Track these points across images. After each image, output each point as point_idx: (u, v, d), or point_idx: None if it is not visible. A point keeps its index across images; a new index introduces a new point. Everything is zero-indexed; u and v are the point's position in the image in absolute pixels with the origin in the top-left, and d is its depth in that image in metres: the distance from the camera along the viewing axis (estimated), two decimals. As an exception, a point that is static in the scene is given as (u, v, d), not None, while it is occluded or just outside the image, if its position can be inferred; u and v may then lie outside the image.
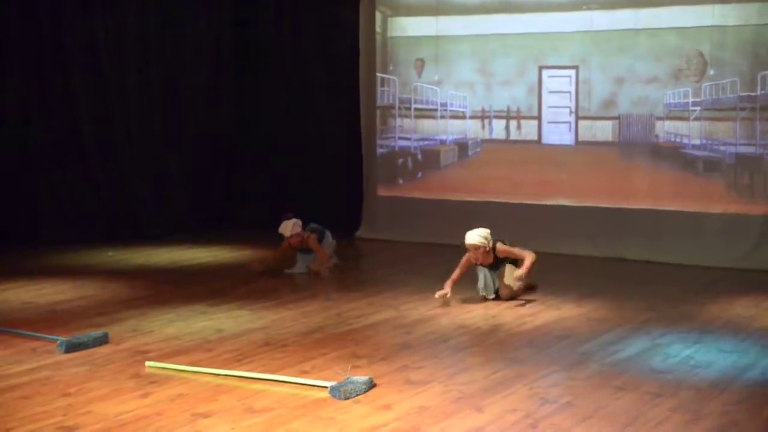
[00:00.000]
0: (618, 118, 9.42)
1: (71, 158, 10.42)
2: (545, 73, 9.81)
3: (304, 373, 5.27)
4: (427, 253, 9.44)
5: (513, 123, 10.00)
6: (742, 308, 7.00)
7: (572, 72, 9.64)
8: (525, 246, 7.31)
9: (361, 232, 10.65)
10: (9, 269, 8.59)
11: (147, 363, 5.45)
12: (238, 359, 5.59)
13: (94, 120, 10.49)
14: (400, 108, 10.59)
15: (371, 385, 4.99)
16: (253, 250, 9.44)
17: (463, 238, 7.20)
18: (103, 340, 5.93)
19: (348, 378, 4.97)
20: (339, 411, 4.65)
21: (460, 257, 7.25)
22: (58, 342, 5.78)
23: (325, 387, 4.91)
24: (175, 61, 11.14)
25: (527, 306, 7.03)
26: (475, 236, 7.14)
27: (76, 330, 6.18)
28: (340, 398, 4.80)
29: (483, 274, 7.25)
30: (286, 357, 5.64)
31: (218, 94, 11.54)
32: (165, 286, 7.88)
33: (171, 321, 6.57)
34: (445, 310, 6.92)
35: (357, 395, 4.84)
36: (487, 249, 7.14)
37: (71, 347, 5.73)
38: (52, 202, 10.26)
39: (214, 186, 11.53)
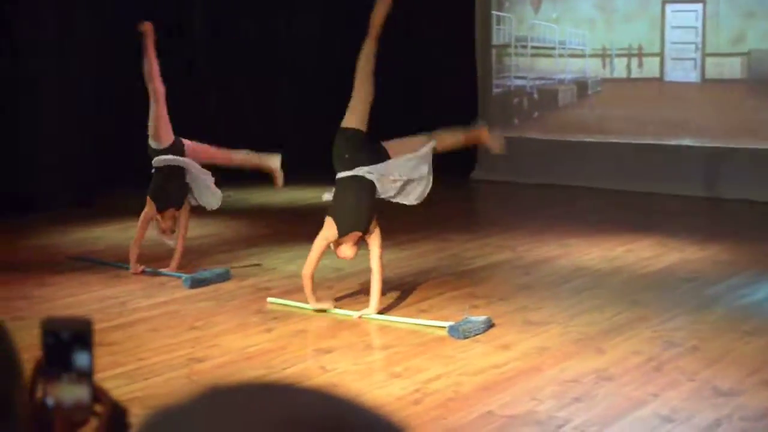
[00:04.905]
0: (747, 54, 8.99)
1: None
2: (669, 7, 9.41)
3: (422, 312, 5.29)
4: (543, 195, 9.30)
5: (634, 60, 9.67)
6: None
7: (699, 6, 9.22)
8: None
9: (476, 174, 10.56)
10: (133, 209, 8.85)
11: (269, 299, 5.57)
12: (357, 298, 5.66)
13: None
14: (516, 47, 10.37)
15: (490, 324, 4.97)
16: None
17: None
18: (225, 277, 6.09)
19: (466, 318, 4.97)
20: (458, 350, 4.65)
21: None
22: (183, 278, 5.97)
23: (444, 327, 4.92)
24: None
25: (648, 248, 6.86)
26: None
27: (200, 267, 6.36)
28: (458, 337, 4.80)
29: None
30: (404, 296, 5.68)
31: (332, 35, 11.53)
32: (284, 225, 8.02)
33: (291, 259, 6.68)
34: (564, 251, 6.81)
35: (475, 335, 4.83)
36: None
37: (196, 283, 5.91)
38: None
39: (325, 129, 11.58)
